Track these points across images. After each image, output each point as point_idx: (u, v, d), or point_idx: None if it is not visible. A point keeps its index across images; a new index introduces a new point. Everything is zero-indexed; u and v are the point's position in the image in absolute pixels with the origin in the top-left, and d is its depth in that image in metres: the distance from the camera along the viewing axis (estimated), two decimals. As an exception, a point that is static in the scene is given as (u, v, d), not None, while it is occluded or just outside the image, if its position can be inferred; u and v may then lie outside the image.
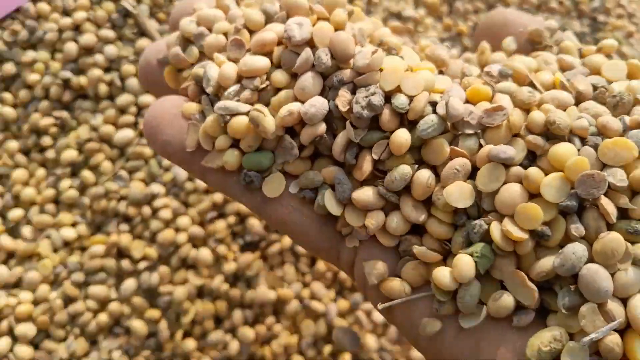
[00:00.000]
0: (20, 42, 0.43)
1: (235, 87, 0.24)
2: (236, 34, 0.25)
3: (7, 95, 0.43)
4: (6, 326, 0.38)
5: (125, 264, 0.40)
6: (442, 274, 0.21)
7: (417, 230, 0.23)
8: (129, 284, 0.40)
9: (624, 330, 0.19)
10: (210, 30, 0.26)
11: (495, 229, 0.20)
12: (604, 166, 0.20)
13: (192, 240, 0.41)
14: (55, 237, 0.40)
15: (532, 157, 0.21)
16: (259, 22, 0.25)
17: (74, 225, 0.41)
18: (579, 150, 0.21)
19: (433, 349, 0.22)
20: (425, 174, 0.21)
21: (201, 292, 0.41)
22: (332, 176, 0.23)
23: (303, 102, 0.23)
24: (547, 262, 0.20)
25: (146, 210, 0.41)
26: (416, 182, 0.22)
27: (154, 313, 0.40)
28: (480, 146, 0.22)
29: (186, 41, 0.27)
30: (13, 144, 0.42)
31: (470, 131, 0.22)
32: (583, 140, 0.21)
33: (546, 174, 0.20)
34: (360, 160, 0.22)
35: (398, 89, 0.22)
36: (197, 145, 0.25)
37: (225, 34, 0.26)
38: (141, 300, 0.40)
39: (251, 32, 0.25)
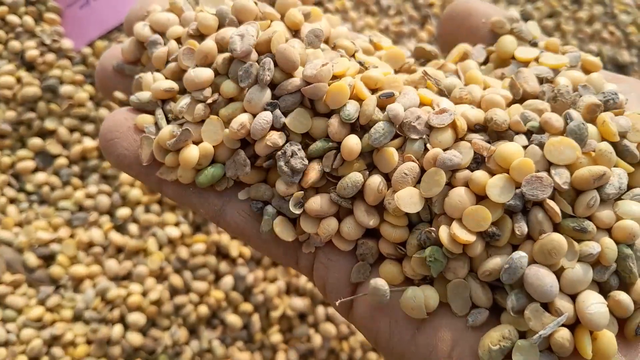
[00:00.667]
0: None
1: (186, 101, 0.24)
2: (189, 39, 0.25)
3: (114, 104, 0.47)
4: (118, 315, 0.42)
5: (223, 265, 0.44)
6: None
7: (376, 232, 0.23)
8: (227, 280, 0.44)
9: (574, 326, 0.20)
10: (164, 34, 0.27)
11: (443, 233, 0.20)
12: (550, 164, 0.21)
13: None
14: (160, 235, 0.44)
15: (480, 159, 0.22)
16: (211, 27, 0.25)
17: (177, 224, 0.45)
18: (525, 147, 0.21)
19: (392, 348, 0.22)
20: (376, 180, 0.22)
21: (289, 289, 0.46)
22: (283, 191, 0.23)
23: (253, 115, 0.23)
24: (492, 262, 0.20)
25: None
26: (368, 188, 0.22)
27: (247, 307, 0.44)
28: (426, 150, 0.22)
29: (141, 46, 0.27)
30: (120, 148, 0.46)
31: (416, 136, 0.22)
32: (529, 139, 0.22)
33: (493, 174, 0.21)
34: (309, 169, 0.22)
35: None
36: (152, 158, 0.24)
37: (179, 39, 0.26)
38: (237, 295, 0.44)
39: (205, 37, 0.25)
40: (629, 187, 0.21)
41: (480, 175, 0.21)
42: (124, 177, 0.46)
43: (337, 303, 0.23)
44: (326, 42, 0.27)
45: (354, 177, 0.22)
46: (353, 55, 0.26)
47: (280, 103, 0.23)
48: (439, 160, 0.21)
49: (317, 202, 0.22)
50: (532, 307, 0.19)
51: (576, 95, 0.23)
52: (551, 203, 0.20)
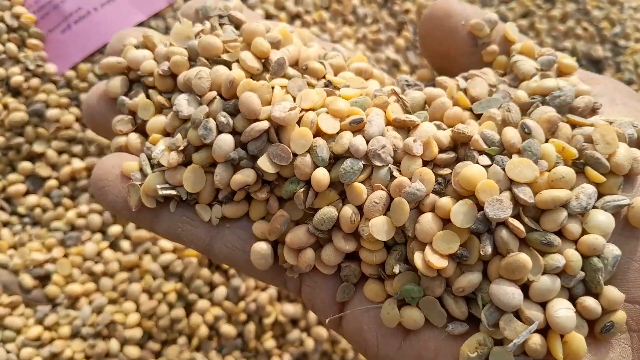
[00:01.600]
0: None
1: (160, 147, 0.26)
2: (160, 78, 0.27)
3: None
4: (115, 330, 0.43)
5: (216, 276, 0.46)
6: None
7: (357, 253, 0.24)
8: (220, 291, 0.45)
9: (546, 331, 0.21)
10: (137, 69, 0.28)
11: (417, 259, 0.22)
12: (511, 182, 0.22)
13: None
14: (154, 251, 0.46)
15: (445, 182, 0.23)
16: (183, 66, 0.26)
17: (167, 240, 0.47)
18: (487, 167, 0.22)
19: (381, 358, 0.23)
20: (348, 212, 0.23)
21: (280, 296, 0.47)
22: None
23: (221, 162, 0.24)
24: (464, 279, 0.22)
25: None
26: (342, 219, 0.23)
27: (241, 316, 0.46)
28: (392, 177, 0.23)
29: (126, 82, 0.29)
30: (108, 167, 0.47)
31: (380, 164, 0.23)
32: (492, 159, 0.23)
33: (459, 196, 0.22)
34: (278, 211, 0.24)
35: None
36: (140, 203, 0.26)
37: (153, 73, 0.27)
38: (231, 305, 0.46)
39: (176, 76, 0.27)
40: (600, 194, 0.22)
41: (445, 202, 0.22)
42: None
43: (326, 321, 0.24)
44: (296, 64, 0.28)
45: (329, 212, 0.23)
46: (324, 77, 0.28)
47: (248, 147, 0.24)
48: (403, 194, 0.22)
49: (297, 235, 0.24)
50: (505, 318, 0.21)
51: (535, 106, 0.25)
52: (514, 222, 0.21)
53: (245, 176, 0.24)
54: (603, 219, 0.22)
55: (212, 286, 0.46)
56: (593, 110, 0.25)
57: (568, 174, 0.22)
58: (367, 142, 0.24)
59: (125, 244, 0.46)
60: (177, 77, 0.27)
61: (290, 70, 0.27)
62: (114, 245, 0.46)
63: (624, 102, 0.26)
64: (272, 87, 0.25)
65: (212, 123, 0.24)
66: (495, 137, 0.23)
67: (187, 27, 0.28)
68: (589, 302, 0.21)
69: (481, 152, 0.23)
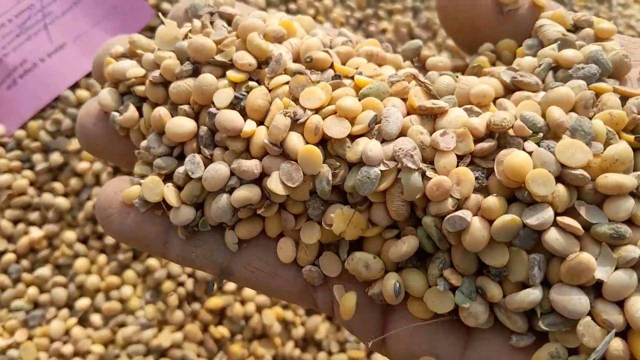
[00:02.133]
0: (64, 131, 0.44)
1: (150, 178, 0.24)
2: (150, 87, 0.25)
3: (58, 185, 0.43)
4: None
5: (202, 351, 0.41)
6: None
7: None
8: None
9: (626, 332, 0.19)
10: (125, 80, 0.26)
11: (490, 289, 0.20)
12: (563, 167, 0.20)
13: (260, 309, 0.43)
14: (129, 321, 0.41)
15: (485, 174, 0.21)
16: (171, 70, 0.24)
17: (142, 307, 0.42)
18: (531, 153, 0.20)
19: None
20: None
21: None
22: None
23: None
24: (525, 299, 0.19)
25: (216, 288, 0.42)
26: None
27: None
28: (426, 177, 0.20)
29: (119, 96, 0.26)
30: (70, 234, 0.43)
31: (413, 166, 0.20)
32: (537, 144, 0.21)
33: (505, 189, 0.20)
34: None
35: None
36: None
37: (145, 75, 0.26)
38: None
39: (168, 83, 0.25)
40: None
41: (492, 204, 0.20)
42: (79, 264, 0.42)
43: (369, 344, 0.22)
44: (300, 57, 0.25)
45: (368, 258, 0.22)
46: (331, 66, 0.24)
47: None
48: (445, 222, 0.20)
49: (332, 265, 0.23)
50: (584, 323, 0.19)
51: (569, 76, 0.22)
52: (566, 220, 0.19)
53: (249, 194, 0.22)
54: None
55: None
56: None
57: (622, 153, 0.19)
58: (384, 142, 0.21)
59: (95, 318, 0.41)
60: (169, 87, 0.24)
61: (293, 65, 0.24)
62: (83, 321, 0.42)
63: None
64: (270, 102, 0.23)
65: (197, 157, 0.23)
66: (538, 120, 0.21)
67: (172, 28, 0.26)
68: None
69: (525, 139, 0.21)
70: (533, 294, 0.19)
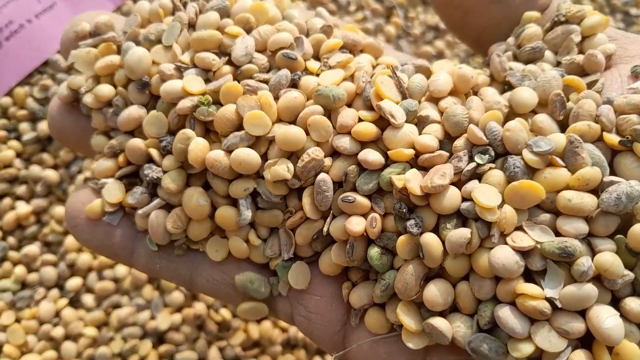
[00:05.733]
0: (53, 98, 0.40)
1: (140, 190, 0.24)
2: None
3: (47, 157, 0.40)
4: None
5: (201, 342, 0.38)
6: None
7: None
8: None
9: (591, 343, 0.19)
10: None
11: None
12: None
13: None
14: (125, 302, 0.38)
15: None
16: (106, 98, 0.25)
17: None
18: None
19: None
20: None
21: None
22: None
23: None
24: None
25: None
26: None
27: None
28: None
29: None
30: (60, 209, 0.40)
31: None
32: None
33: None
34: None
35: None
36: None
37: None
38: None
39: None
40: None
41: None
42: (69, 242, 0.39)
43: (333, 357, 0.23)
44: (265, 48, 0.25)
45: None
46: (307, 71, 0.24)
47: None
48: (449, 245, 0.20)
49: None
50: (541, 331, 0.19)
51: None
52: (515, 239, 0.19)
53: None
54: None
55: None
56: (636, 76, 0.22)
57: (593, 178, 0.19)
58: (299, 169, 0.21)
59: (88, 299, 0.39)
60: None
61: (259, 58, 0.24)
62: (74, 302, 0.39)
63: None
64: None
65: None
66: (496, 136, 0.20)
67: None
68: (632, 304, 0.18)
69: (485, 151, 0.20)
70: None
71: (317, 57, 0.25)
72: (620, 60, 0.23)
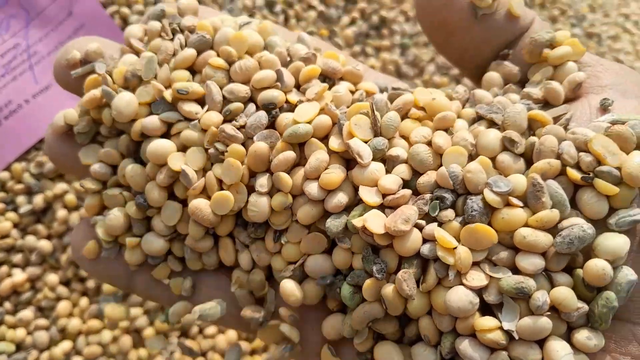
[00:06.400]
0: (47, 174, 0.44)
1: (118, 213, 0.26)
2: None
3: (41, 228, 0.44)
4: None
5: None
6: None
7: None
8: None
9: None
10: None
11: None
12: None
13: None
14: (109, 367, 0.41)
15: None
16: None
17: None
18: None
19: None
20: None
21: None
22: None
23: None
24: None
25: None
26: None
27: None
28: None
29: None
30: (53, 277, 0.43)
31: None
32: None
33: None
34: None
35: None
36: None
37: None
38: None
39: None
40: (612, 209, 0.20)
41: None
42: (61, 307, 0.42)
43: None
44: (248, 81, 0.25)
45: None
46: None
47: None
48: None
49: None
50: (500, 358, 0.20)
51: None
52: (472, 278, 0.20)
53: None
54: (614, 243, 0.20)
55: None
56: (604, 109, 0.22)
57: (549, 221, 0.20)
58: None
59: (77, 362, 0.42)
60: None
61: (240, 90, 0.25)
62: (64, 365, 0.42)
63: (638, 95, 0.23)
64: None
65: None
66: (457, 177, 0.21)
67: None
68: (579, 338, 0.20)
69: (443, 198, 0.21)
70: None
71: (298, 85, 0.26)
72: (592, 89, 0.23)
